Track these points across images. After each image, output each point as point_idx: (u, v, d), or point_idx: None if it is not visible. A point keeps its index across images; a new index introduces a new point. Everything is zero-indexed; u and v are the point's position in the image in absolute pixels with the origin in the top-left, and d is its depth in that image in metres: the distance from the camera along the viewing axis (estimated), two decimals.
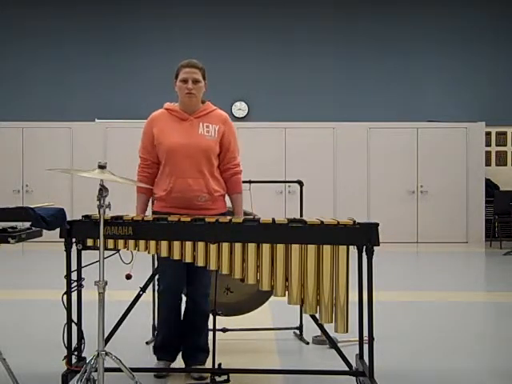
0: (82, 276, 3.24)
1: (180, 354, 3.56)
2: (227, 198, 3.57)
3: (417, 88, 11.27)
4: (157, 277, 3.59)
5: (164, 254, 3.04)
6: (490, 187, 10.95)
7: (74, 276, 3.18)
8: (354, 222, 3.01)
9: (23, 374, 3.26)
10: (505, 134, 11.39)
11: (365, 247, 3.04)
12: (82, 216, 3.16)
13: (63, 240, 3.12)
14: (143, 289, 3.56)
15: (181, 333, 3.52)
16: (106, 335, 3.01)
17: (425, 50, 11.31)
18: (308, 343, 4.17)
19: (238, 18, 11.31)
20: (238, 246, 2.99)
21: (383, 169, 10.63)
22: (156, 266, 3.64)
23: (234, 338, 4.20)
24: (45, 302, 5.38)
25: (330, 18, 11.34)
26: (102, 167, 2.83)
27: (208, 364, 3.45)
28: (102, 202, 2.80)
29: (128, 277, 3.19)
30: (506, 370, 3.67)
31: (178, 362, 3.54)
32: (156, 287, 3.72)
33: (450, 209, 10.61)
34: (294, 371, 3.50)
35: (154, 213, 3.45)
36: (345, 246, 2.96)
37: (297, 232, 2.98)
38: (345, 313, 2.95)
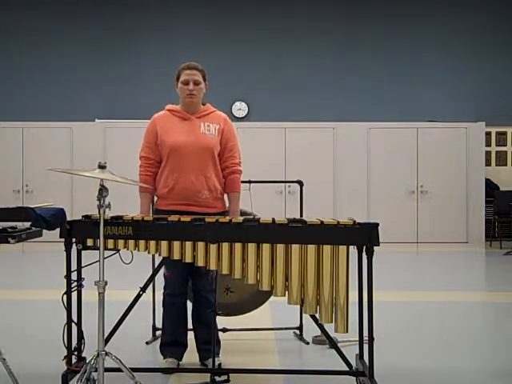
0: (82, 276, 3.24)
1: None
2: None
3: (417, 88, 11.27)
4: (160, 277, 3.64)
5: (164, 254, 3.04)
6: (490, 187, 10.95)
7: (74, 276, 3.18)
8: (354, 222, 3.01)
9: (23, 374, 3.26)
10: (505, 134, 11.38)
11: (365, 247, 3.04)
12: (82, 216, 3.17)
13: (63, 240, 3.12)
14: (143, 289, 3.56)
15: (186, 331, 3.62)
16: (106, 335, 3.01)
17: (425, 50, 11.31)
18: (308, 343, 4.17)
19: (238, 19, 11.30)
20: (238, 246, 2.99)
21: (383, 169, 10.63)
22: (156, 266, 3.66)
23: (234, 338, 4.20)
24: (45, 302, 5.38)
25: (329, 19, 11.33)
26: (102, 167, 2.83)
27: (208, 364, 3.46)
28: (102, 201, 2.80)
29: None
30: (506, 370, 3.67)
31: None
32: (155, 287, 3.71)
33: (450, 209, 10.61)
34: (294, 371, 3.51)
35: (156, 210, 3.52)
36: (345, 246, 2.96)
37: (297, 232, 2.98)
38: (345, 313, 2.95)
